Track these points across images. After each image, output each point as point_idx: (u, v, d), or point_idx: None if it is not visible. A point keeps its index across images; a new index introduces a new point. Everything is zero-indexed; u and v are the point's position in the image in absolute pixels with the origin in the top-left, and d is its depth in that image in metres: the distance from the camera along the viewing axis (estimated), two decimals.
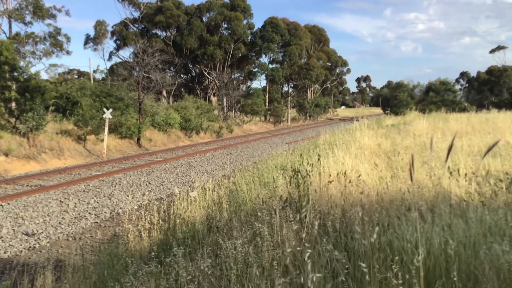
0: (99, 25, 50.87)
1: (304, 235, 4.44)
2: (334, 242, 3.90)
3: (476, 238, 3.68)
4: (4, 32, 32.27)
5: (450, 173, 5.09)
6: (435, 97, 55.91)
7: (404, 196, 5.21)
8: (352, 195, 5.48)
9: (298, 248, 3.64)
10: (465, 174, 5.20)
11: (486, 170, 6.10)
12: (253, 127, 46.86)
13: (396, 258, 3.26)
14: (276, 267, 3.51)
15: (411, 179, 3.59)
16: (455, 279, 3.05)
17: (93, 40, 51.86)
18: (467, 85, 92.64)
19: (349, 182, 5.55)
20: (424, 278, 3.15)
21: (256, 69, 56.85)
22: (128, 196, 13.47)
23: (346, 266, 3.28)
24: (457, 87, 74.85)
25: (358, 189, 5.61)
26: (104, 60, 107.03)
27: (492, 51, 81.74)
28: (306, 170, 5.96)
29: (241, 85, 58.74)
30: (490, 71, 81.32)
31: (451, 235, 3.59)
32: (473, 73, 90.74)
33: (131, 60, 44.18)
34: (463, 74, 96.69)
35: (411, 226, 3.72)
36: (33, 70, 22.89)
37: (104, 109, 23.28)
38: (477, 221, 3.94)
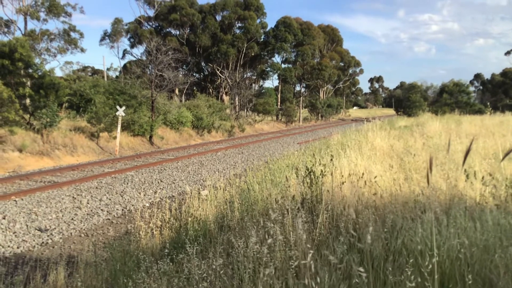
0: (117, 23, 51.12)
1: (316, 236, 4.42)
2: (347, 243, 3.88)
3: (492, 241, 3.64)
4: (20, 29, 32.64)
5: (467, 175, 5.04)
6: (448, 99, 55.54)
7: (417, 198, 5.17)
8: (365, 196, 5.45)
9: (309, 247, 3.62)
10: (482, 177, 5.14)
11: (502, 173, 6.03)
12: (265, 126, 46.84)
13: (411, 260, 3.23)
14: (289, 267, 3.49)
15: (428, 182, 3.56)
16: (469, 282, 3.02)
17: (109, 37, 52.13)
18: (481, 87, 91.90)
19: (364, 183, 5.52)
20: (439, 281, 3.12)
21: (268, 69, 56.76)
22: (140, 193, 13.54)
23: (360, 268, 3.25)
24: (471, 89, 74.13)
25: (371, 190, 5.58)
26: (118, 58, 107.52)
27: (507, 53, 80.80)
28: (321, 171, 5.94)
29: (253, 85, 58.74)
30: (505, 73, 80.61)
31: (466, 238, 3.55)
32: (487, 75, 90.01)
33: (145, 58, 44.39)
34: (477, 76, 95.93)
35: (426, 229, 3.69)
36: (47, 67, 23.02)
37: (117, 107, 23.42)
38: (493, 225, 3.90)
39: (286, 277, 3.43)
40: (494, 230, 3.82)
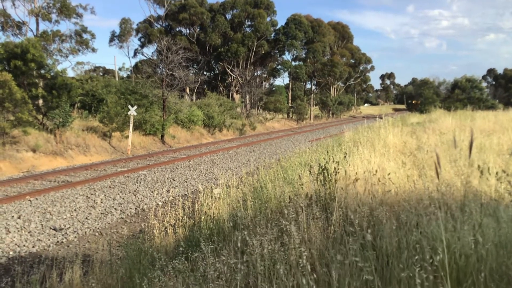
0: (124, 23, 51.43)
1: (331, 233, 4.42)
2: (361, 240, 3.87)
3: (508, 237, 3.62)
4: (32, 31, 32.92)
5: (481, 171, 5.01)
6: (461, 95, 55.13)
7: (432, 195, 5.14)
8: (378, 193, 5.43)
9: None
10: (496, 173, 5.10)
11: None
12: (276, 124, 46.81)
13: (427, 257, 3.22)
14: (304, 265, 3.50)
15: (438, 177, 3.54)
16: (486, 278, 3.00)
17: (118, 38, 52.48)
18: (494, 82, 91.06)
19: (378, 180, 5.50)
20: (455, 278, 3.11)
21: (279, 66, 56.73)
22: (153, 192, 13.60)
23: (374, 265, 3.25)
24: (484, 84, 73.35)
25: (385, 187, 5.56)
26: (128, 57, 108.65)
27: None
28: (334, 168, 5.94)
29: (264, 83, 58.71)
30: None
31: (482, 235, 3.53)
32: (500, 70, 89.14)
33: (155, 58, 44.60)
34: (490, 71, 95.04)
35: (441, 225, 3.67)
36: (59, 67, 23.15)
37: (129, 106, 23.56)
38: (509, 221, 3.87)
39: (301, 274, 3.44)
40: (510, 226, 3.79)
